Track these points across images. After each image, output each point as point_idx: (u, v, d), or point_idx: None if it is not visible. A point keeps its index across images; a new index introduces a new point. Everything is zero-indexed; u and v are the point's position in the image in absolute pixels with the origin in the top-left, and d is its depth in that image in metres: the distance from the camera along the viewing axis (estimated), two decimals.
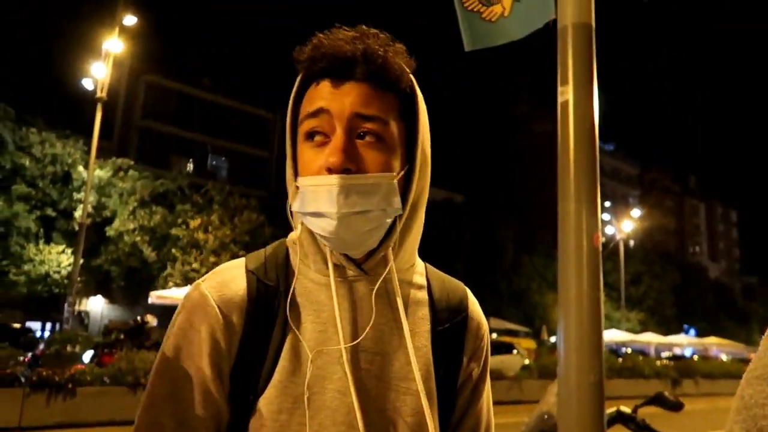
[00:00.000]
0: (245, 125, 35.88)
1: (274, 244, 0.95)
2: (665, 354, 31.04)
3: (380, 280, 0.87)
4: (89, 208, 17.25)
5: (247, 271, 0.89)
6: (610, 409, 2.11)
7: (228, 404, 0.84)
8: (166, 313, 21.19)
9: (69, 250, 19.09)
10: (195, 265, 21.03)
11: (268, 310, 0.86)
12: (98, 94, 15.87)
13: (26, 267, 18.65)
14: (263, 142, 36.56)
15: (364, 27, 0.87)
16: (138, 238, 20.74)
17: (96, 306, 25.98)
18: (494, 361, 15.85)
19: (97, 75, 16.21)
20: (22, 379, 8.07)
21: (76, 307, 20.33)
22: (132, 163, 22.33)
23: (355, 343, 0.85)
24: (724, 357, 35.30)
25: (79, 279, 16.09)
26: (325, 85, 0.85)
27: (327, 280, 0.87)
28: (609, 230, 41.68)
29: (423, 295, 0.96)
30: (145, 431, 0.82)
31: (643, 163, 70.60)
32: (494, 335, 26.42)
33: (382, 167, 0.85)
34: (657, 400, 2.11)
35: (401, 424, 0.85)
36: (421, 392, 0.85)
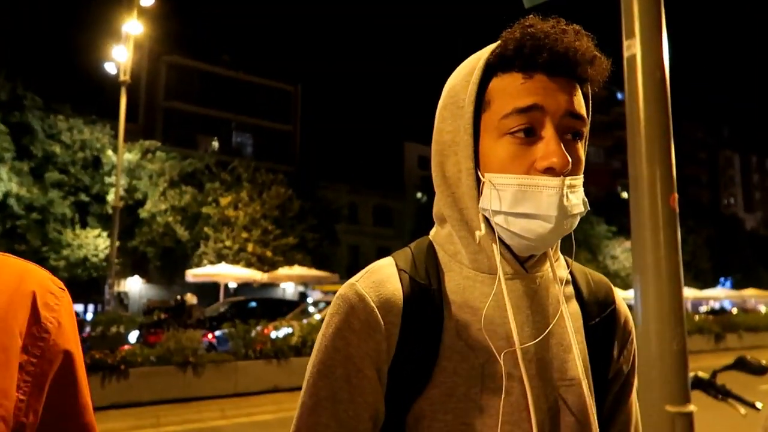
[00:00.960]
0: (267, 100, 35.84)
1: (418, 241, 0.93)
2: (703, 308, 30.64)
3: (539, 277, 0.86)
4: (121, 191, 17.53)
5: (399, 269, 0.86)
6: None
7: (386, 405, 0.82)
8: (202, 290, 21.66)
9: (105, 234, 19.50)
10: (227, 243, 21.33)
11: (423, 309, 0.83)
12: (121, 78, 15.96)
13: (65, 252, 19.13)
14: (285, 115, 36.50)
15: (564, 21, 0.83)
16: (170, 219, 21.07)
17: (134, 286, 26.65)
18: None
19: (119, 58, 16.26)
20: None
21: (116, 289, 20.84)
22: (159, 144, 22.56)
23: (531, 344, 0.82)
24: (762, 308, 34.73)
25: (116, 261, 16.46)
26: (539, 79, 0.80)
27: (482, 278, 0.84)
28: None
29: (570, 290, 0.92)
30: (308, 431, 0.81)
31: (675, 114, 68.63)
32: None
33: (583, 166, 0.85)
34: (739, 364, 2.03)
35: (566, 422, 0.83)
36: (584, 388, 0.83)
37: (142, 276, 25.57)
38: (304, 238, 22.73)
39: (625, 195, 43.70)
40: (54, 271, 18.99)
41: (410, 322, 0.82)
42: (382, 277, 0.85)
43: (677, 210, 1.91)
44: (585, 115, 0.83)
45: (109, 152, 20.30)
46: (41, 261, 18.98)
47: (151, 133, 28.58)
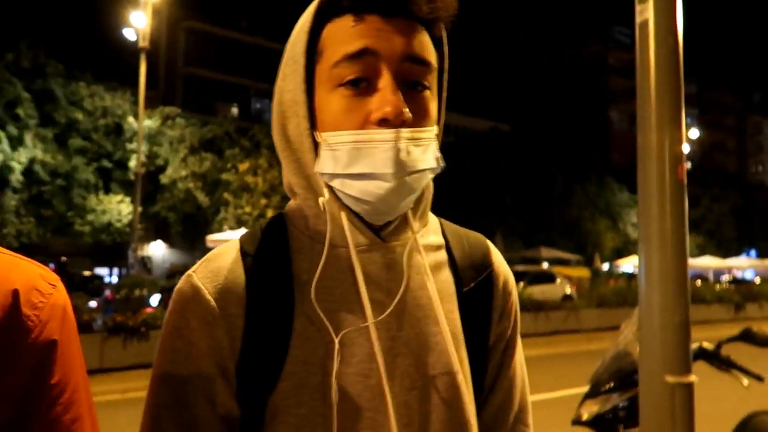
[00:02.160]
0: None
1: (270, 219, 0.84)
2: (725, 278, 30.30)
3: (399, 245, 0.78)
4: (142, 158, 17.73)
5: (243, 253, 0.78)
6: (691, 346, 2.04)
7: (238, 403, 0.74)
8: None
9: (128, 199, 19.81)
10: (247, 209, 21.53)
11: (270, 296, 0.75)
12: (140, 44, 15.95)
13: (89, 217, 19.51)
14: None
15: None
16: (191, 185, 21.30)
17: (157, 251, 27.16)
18: (534, 290, 15.80)
19: (138, 24, 16.23)
20: (99, 322, 8.57)
21: (139, 253, 21.29)
22: (179, 111, 22.67)
23: (380, 318, 0.74)
24: None
25: (139, 226, 16.76)
26: (372, 21, 0.71)
27: (336, 252, 0.75)
28: None
29: (443, 255, 0.84)
30: (160, 412, 0.73)
31: (702, 80, 66.85)
32: (545, 264, 26.30)
33: (432, 120, 0.76)
34: (745, 336, 2.02)
35: (435, 400, 0.77)
36: (453, 360, 0.76)
37: (164, 241, 26.02)
38: None
39: None
40: (79, 236, 19.47)
41: (256, 312, 0.74)
42: (221, 265, 0.76)
43: (685, 181, 1.88)
44: (430, 60, 0.74)
45: (130, 119, 20.46)
46: (67, 226, 19.41)
47: (171, 99, 28.66)
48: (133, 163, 18.77)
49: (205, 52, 32.44)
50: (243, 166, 22.03)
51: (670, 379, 1.81)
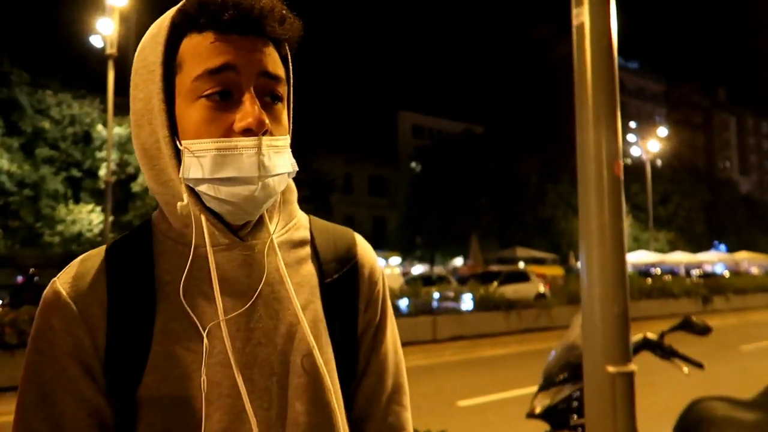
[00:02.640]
0: None
1: (138, 225, 0.89)
2: (695, 272, 30.99)
3: (258, 243, 0.83)
4: (113, 166, 17.48)
5: (107, 258, 0.83)
6: (636, 336, 2.11)
7: (108, 400, 0.79)
8: None
9: (98, 209, 19.51)
10: None
11: (133, 296, 0.80)
12: (108, 51, 15.73)
13: (59, 227, 19.16)
14: None
15: None
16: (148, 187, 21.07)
17: None
18: (508, 290, 16.00)
19: (105, 31, 16.01)
20: None
21: None
22: None
23: (236, 313, 0.80)
24: (755, 271, 35.07)
25: (111, 236, 16.50)
26: (231, 39, 0.77)
27: (200, 252, 0.81)
28: (635, 151, 40.87)
29: (306, 250, 0.91)
30: (27, 413, 0.77)
31: (669, 79, 68.22)
32: (521, 264, 26.57)
33: (285, 128, 0.83)
34: (684, 325, 2.10)
35: (294, 383, 0.82)
36: (310, 344, 0.82)
37: None
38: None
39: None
40: (49, 247, 19.08)
41: (117, 313, 0.79)
42: (84, 270, 0.82)
43: (621, 177, 1.95)
44: (282, 76, 0.81)
45: (99, 127, 20.16)
46: (36, 237, 19.03)
47: None
48: (103, 172, 18.47)
49: None
50: None
51: (611, 368, 1.87)
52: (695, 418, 1.93)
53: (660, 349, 2.10)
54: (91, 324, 0.79)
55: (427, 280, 19.29)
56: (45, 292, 0.81)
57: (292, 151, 0.85)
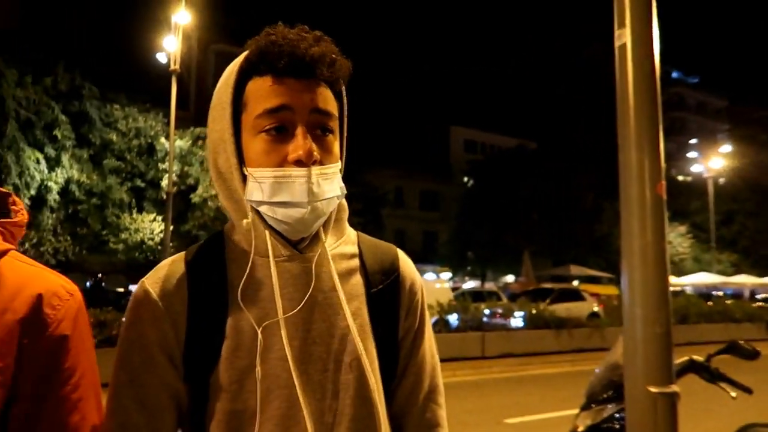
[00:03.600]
0: None
1: (211, 235, 1.03)
2: (761, 296, 29.39)
3: (316, 256, 0.96)
4: (174, 177, 18.20)
5: (187, 263, 0.97)
6: (681, 359, 2.08)
7: (185, 384, 0.93)
8: None
9: (159, 218, 20.29)
10: None
11: (209, 296, 0.94)
12: (172, 67, 16.49)
13: (123, 235, 20.02)
14: None
15: (306, 28, 0.95)
16: (221, 203, 21.72)
17: None
18: (559, 308, 15.61)
19: (169, 48, 16.80)
20: None
21: None
22: None
23: (291, 314, 0.92)
24: None
25: (171, 244, 17.15)
26: (287, 82, 0.90)
27: (262, 261, 0.94)
28: (696, 168, 39.34)
29: (355, 262, 1.03)
30: (112, 414, 0.92)
31: (732, 94, 65.53)
32: (575, 282, 25.93)
33: (335, 157, 0.96)
34: (731, 348, 2.06)
35: (342, 379, 0.94)
36: (358, 346, 0.93)
37: None
38: (350, 222, 23.00)
39: (680, 178, 42.04)
40: (114, 253, 19.93)
41: (196, 310, 0.93)
42: (168, 273, 0.96)
43: (665, 197, 1.95)
44: (332, 111, 0.94)
45: (162, 139, 21.02)
46: (102, 244, 19.95)
47: (202, 120, 29.21)
48: (164, 183, 19.25)
49: None
50: None
51: (653, 389, 1.86)
52: None
53: (707, 371, 2.07)
54: (174, 319, 0.93)
55: (477, 295, 19.10)
56: (135, 290, 0.96)
57: (345, 168, 0.98)
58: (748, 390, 2.03)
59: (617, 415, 2.10)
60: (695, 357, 2.10)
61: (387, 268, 1.05)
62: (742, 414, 3.22)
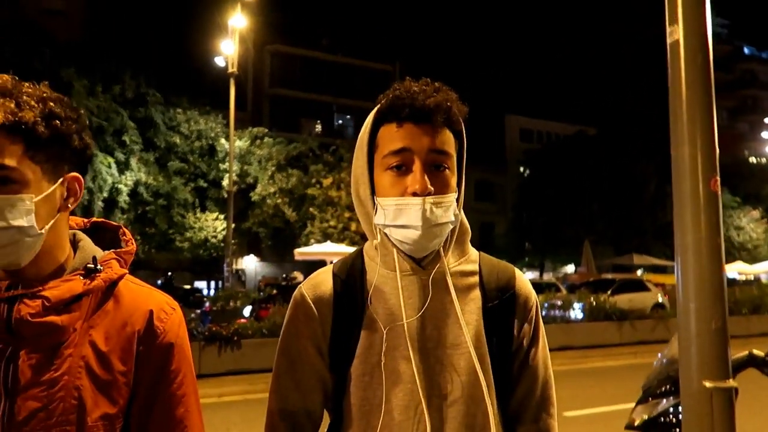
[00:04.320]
0: (366, 81, 36.40)
1: (353, 252, 1.24)
2: None
3: (434, 271, 1.13)
4: (234, 177, 18.80)
5: (333, 274, 1.19)
6: (741, 353, 2.07)
7: (331, 373, 1.14)
8: (310, 267, 22.77)
9: (221, 216, 21.01)
10: (332, 222, 22.22)
11: (350, 302, 1.14)
12: (230, 70, 17.01)
13: (188, 234, 20.87)
14: None
15: (428, 80, 1.14)
16: (279, 201, 22.27)
17: (250, 264, 28.52)
18: (621, 299, 15.14)
19: (227, 51, 17.32)
20: (195, 333, 9.26)
21: (234, 267, 22.46)
22: (266, 131, 23.80)
23: (413, 318, 1.09)
24: None
25: (233, 241, 17.75)
26: (408, 128, 1.09)
27: (392, 275, 1.13)
28: None
29: (474, 279, 1.18)
30: (276, 392, 1.16)
31: None
32: (638, 272, 25.13)
33: (450, 189, 1.13)
34: None
35: (456, 380, 1.09)
36: (471, 352, 1.08)
37: (256, 255, 27.29)
38: None
39: (753, 160, 39.88)
40: (179, 251, 20.78)
41: (340, 312, 1.14)
42: (319, 281, 1.18)
43: (719, 192, 1.95)
44: (447, 150, 1.12)
45: (222, 140, 21.72)
46: (168, 242, 20.86)
47: (259, 120, 30.12)
48: (225, 182, 19.91)
49: (288, 73, 33.87)
50: (327, 181, 22.77)
51: (709, 384, 1.87)
52: None
53: (767, 366, 2.05)
54: (323, 319, 1.15)
55: (535, 286, 18.65)
56: (294, 294, 1.19)
57: None
58: None
59: (673, 410, 2.11)
60: (755, 351, 2.08)
61: (503, 286, 1.19)
62: None
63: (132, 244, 1.14)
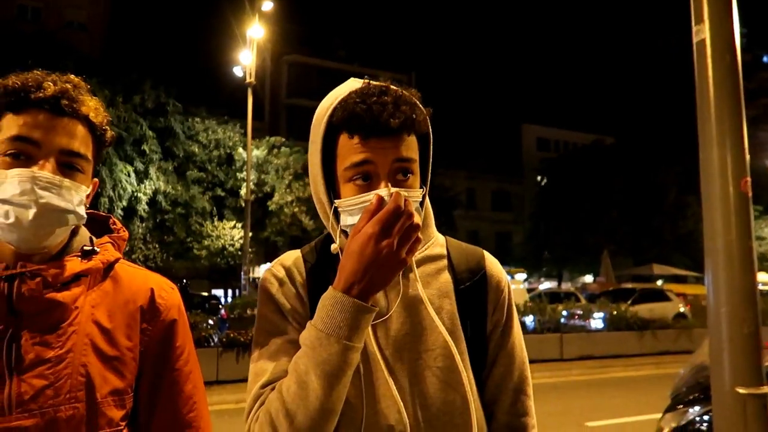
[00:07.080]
0: None
1: (318, 238, 1.21)
2: None
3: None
4: (251, 186, 18.93)
5: (303, 254, 1.17)
6: None
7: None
8: None
9: (239, 225, 21.15)
10: None
11: (320, 278, 1.11)
12: (247, 80, 17.17)
13: (206, 242, 21.02)
14: None
15: (386, 84, 1.09)
16: (296, 209, 22.37)
17: None
18: (642, 309, 14.94)
19: (244, 61, 17.51)
20: (215, 340, 9.28)
21: (251, 275, 22.55)
22: (283, 140, 23.94)
23: (385, 318, 1.08)
24: None
25: (250, 250, 17.84)
26: (371, 143, 1.03)
27: None
28: None
29: (443, 263, 1.16)
30: (261, 346, 1.09)
31: None
32: (659, 282, 24.79)
33: (414, 188, 1.09)
34: None
35: (433, 367, 1.06)
36: (446, 338, 1.06)
37: None
38: None
39: None
40: (197, 259, 20.93)
41: (313, 283, 1.11)
42: (288, 262, 1.15)
43: (749, 194, 1.91)
44: (411, 156, 1.07)
45: (240, 149, 21.90)
46: (186, 250, 21.04)
47: (276, 129, 30.36)
48: (243, 191, 20.04)
49: (305, 83, 34.10)
50: None
51: (742, 390, 1.82)
52: None
53: None
54: (297, 291, 1.11)
55: (554, 296, 18.65)
56: (266, 270, 1.17)
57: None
58: None
59: (703, 417, 2.06)
60: None
61: (473, 267, 1.17)
62: None
63: (124, 231, 1.18)
